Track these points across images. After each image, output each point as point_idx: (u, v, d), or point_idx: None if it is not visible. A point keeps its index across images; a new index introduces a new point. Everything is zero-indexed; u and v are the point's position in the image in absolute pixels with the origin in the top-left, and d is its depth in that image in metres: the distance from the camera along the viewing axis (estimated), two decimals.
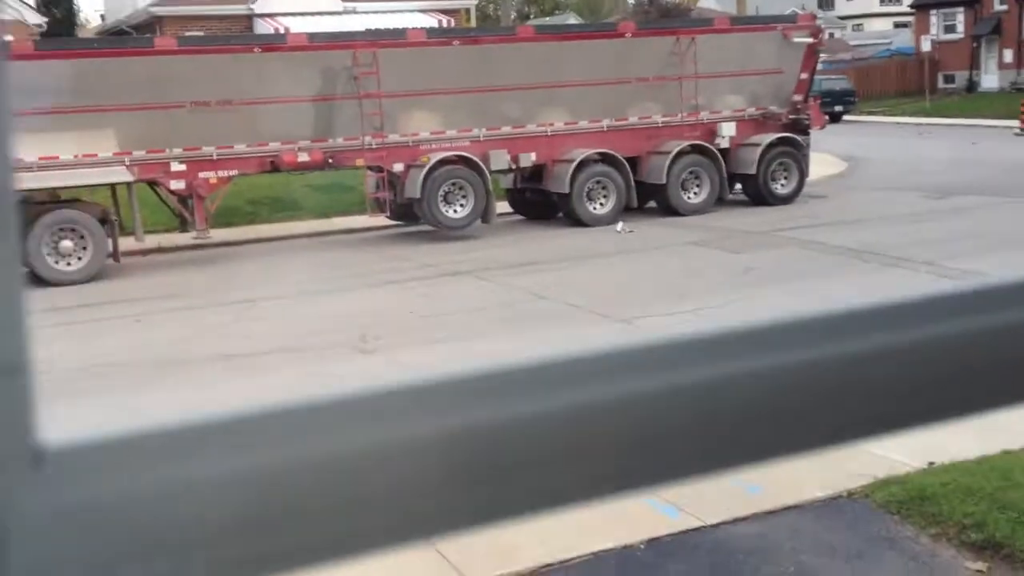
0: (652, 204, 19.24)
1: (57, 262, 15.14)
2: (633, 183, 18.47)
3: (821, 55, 21.98)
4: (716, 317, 10.24)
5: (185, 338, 11.13)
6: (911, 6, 59.82)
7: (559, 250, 15.99)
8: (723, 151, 19.23)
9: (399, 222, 18.61)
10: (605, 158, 18.32)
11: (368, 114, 16.88)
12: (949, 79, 52.49)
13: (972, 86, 50.76)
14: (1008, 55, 48.97)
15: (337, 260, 16.19)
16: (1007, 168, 24.00)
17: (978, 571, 5.08)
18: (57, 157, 15.42)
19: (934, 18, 53.24)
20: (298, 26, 29.41)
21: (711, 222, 17.79)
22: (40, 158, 15.01)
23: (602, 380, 0.57)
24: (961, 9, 51.75)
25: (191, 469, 0.51)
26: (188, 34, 26.05)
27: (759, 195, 19.53)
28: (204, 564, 0.51)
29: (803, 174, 19.92)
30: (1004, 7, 48.95)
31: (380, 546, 0.54)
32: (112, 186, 16.44)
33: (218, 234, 17.89)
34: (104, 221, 15.57)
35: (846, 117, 43.84)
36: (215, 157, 16.38)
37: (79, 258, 15.36)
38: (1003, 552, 5.12)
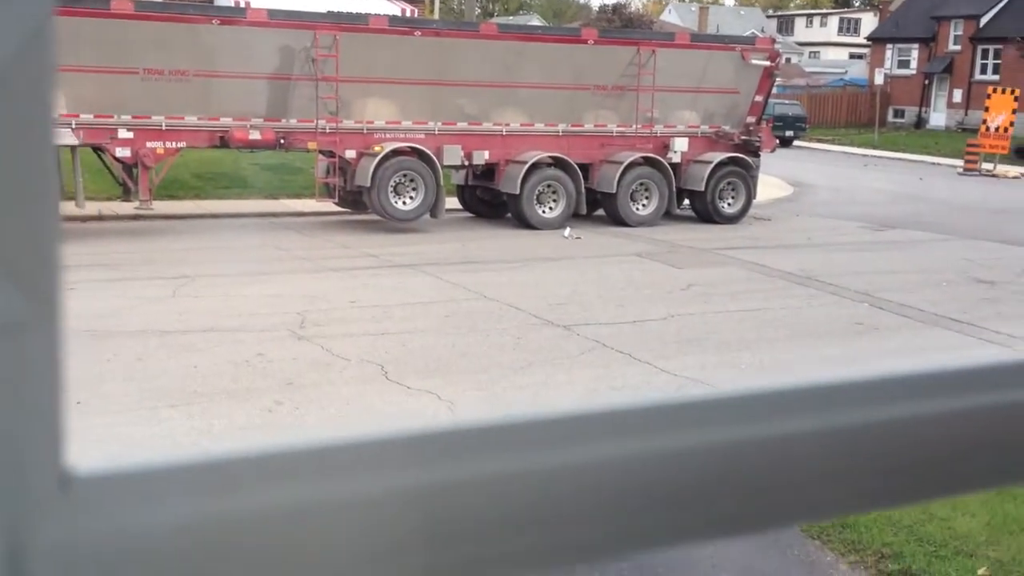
0: (601, 212, 19.34)
1: None
2: (584, 190, 18.55)
3: (777, 79, 22.24)
4: (654, 331, 10.33)
5: (119, 310, 10.94)
6: (868, 38, 60.92)
7: (505, 251, 16.00)
8: (674, 166, 19.38)
9: (347, 209, 18.48)
10: (558, 162, 18.37)
11: (324, 97, 16.74)
12: (899, 113, 53.52)
13: (920, 122, 51.80)
14: (957, 95, 50.06)
15: (281, 242, 16.03)
16: (948, 206, 24.53)
17: None
18: None
19: (889, 52, 54.25)
20: (259, 1, 29.08)
21: (657, 235, 17.92)
22: None
23: (581, 441, 0.56)
24: (916, 46, 52.78)
25: (222, 502, 0.50)
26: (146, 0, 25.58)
27: (706, 212, 19.72)
28: None
29: (750, 195, 20.15)
30: (957, 48, 50.05)
31: None
32: (56, 149, 16.09)
33: (161, 206, 17.62)
34: None
35: (796, 142, 44.45)
36: (164, 127, 16.12)
37: None
38: None
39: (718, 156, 19.60)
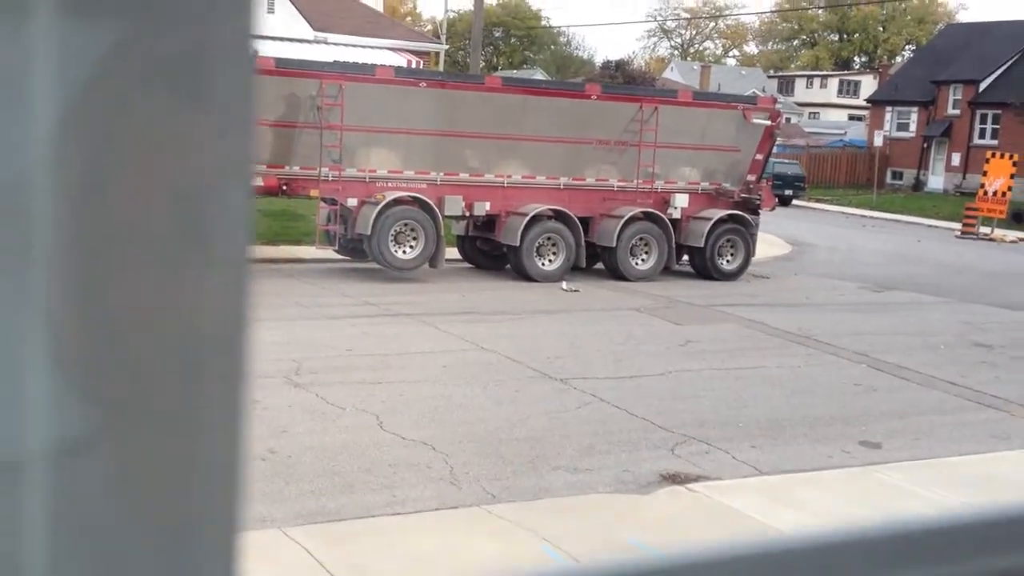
0: (600, 266, 19.38)
1: None
2: (583, 243, 18.59)
3: (777, 138, 22.41)
4: (652, 386, 10.28)
5: None
6: (868, 100, 61.50)
7: (504, 302, 16.00)
8: (674, 221, 19.45)
9: (347, 257, 18.50)
10: (558, 215, 18.44)
11: (328, 145, 16.84)
12: (897, 175, 53.85)
13: (919, 185, 52.10)
14: (956, 158, 50.42)
15: (279, 288, 16.02)
16: (946, 269, 24.59)
17: None
18: None
19: (888, 115, 54.72)
20: (267, 50, 29.38)
21: (656, 290, 17.94)
22: None
23: None
24: (915, 109, 53.26)
25: None
26: None
27: (705, 269, 19.76)
28: None
29: (749, 252, 20.20)
30: (956, 112, 50.49)
31: None
32: None
33: None
34: None
35: (795, 201, 44.66)
36: None
37: None
38: None
39: (718, 213, 19.68)
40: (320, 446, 8.09)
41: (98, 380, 0.48)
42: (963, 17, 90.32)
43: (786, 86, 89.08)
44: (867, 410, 10.43)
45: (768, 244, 25.08)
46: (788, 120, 52.21)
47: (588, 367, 11.51)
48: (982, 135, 49.13)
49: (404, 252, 17.25)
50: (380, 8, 38.41)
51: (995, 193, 34.44)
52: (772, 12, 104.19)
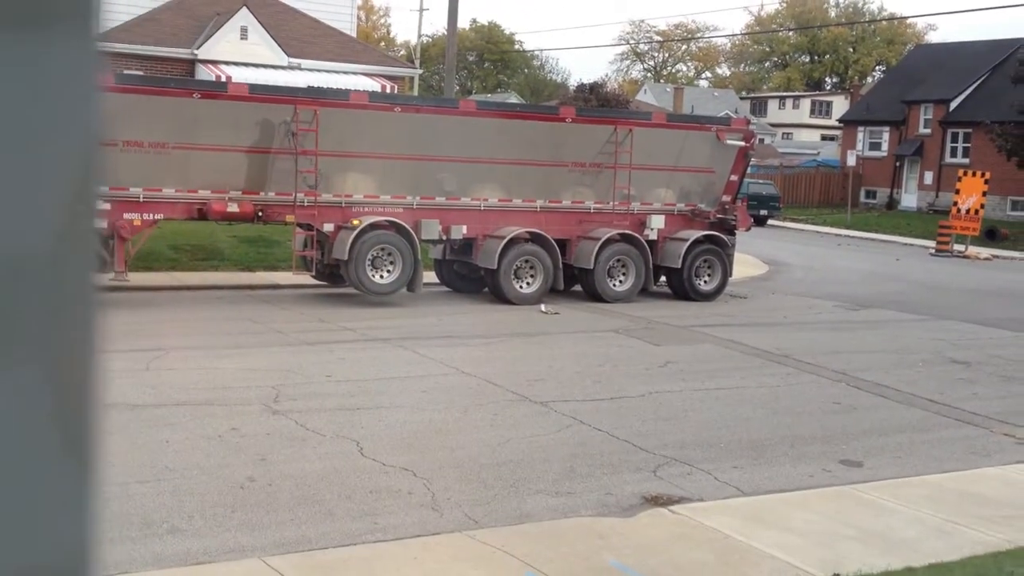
0: (578, 288, 19.39)
1: None
2: (561, 265, 18.61)
3: (751, 159, 22.54)
4: (632, 408, 10.25)
5: None
6: (840, 121, 62.06)
7: (482, 326, 15.96)
8: (651, 243, 19.51)
9: (324, 282, 18.43)
10: (535, 238, 18.44)
11: (303, 171, 16.79)
12: (871, 194, 54.29)
13: (892, 203, 52.54)
14: (928, 177, 50.89)
15: (256, 315, 15.93)
16: (921, 286, 24.75)
17: None
18: None
19: (861, 134, 55.20)
20: (241, 76, 29.32)
21: (634, 311, 17.95)
22: None
23: None
24: (887, 128, 53.75)
25: None
26: (127, 72, 25.76)
27: (683, 289, 19.81)
28: None
29: (726, 273, 20.27)
30: (928, 131, 51.01)
31: None
32: None
33: (136, 278, 17.50)
34: None
35: (770, 221, 44.90)
36: (141, 199, 16.09)
37: None
38: None
39: (694, 234, 19.76)
40: (300, 473, 8.01)
41: None
42: (932, 38, 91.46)
43: (759, 107, 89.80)
44: (847, 428, 10.45)
45: (745, 264, 25.19)
46: (761, 141, 52.60)
47: (568, 389, 11.48)
48: (953, 153, 49.65)
49: (382, 277, 17.20)
50: (354, 33, 38.44)
51: (968, 211, 34.75)
52: (743, 34, 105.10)
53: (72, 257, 0.47)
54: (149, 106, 15.93)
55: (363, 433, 9.22)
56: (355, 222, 17.05)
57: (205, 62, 31.85)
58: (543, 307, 17.80)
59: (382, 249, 17.14)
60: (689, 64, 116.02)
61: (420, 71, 42.25)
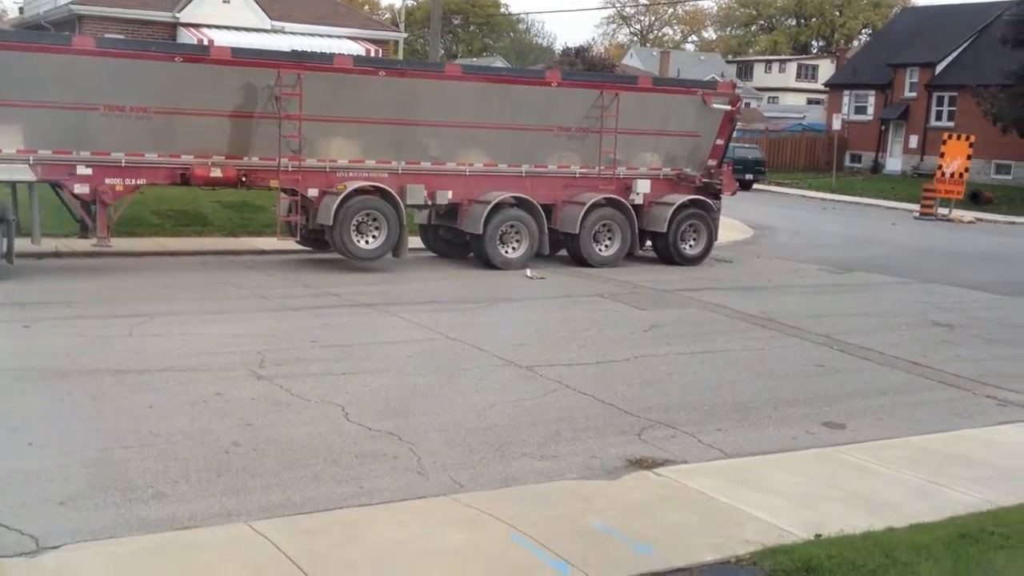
0: (563, 253, 19.38)
1: None
2: (547, 230, 18.58)
3: (737, 123, 22.49)
4: (617, 372, 10.27)
5: (74, 349, 10.73)
6: (825, 84, 61.94)
7: (468, 291, 15.95)
8: (636, 207, 19.49)
9: (309, 248, 18.36)
10: (521, 203, 18.39)
11: (287, 136, 16.67)
12: (856, 158, 54.30)
13: (877, 167, 52.59)
14: (913, 140, 50.92)
15: (241, 280, 15.87)
16: (905, 250, 24.83)
17: None
18: None
19: (846, 98, 55.13)
20: (223, 39, 29.03)
21: (619, 276, 17.96)
22: None
23: None
24: (872, 92, 53.69)
25: None
26: (108, 36, 25.46)
27: (668, 254, 19.82)
28: None
29: (712, 237, 20.29)
30: (913, 95, 50.97)
31: None
32: (13, 184, 15.90)
33: (119, 243, 17.40)
34: (0, 220, 15.00)
35: (756, 185, 44.91)
36: (124, 164, 15.95)
37: None
38: None
39: (680, 198, 19.74)
40: (285, 438, 8.01)
41: None
42: (919, 1, 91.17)
43: (745, 71, 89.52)
44: (830, 391, 10.51)
45: (730, 228, 25.21)
46: (747, 105, 52.45)
47: (553, 354, 11.50)
48: (939, 117, 49.66)
49: (367, 242, 17.15)
50: None
51: (952, 174, 34.82)
52: None
53: None
54: (130, 70, 15.76)
55: (348, 398, 9.22)
56: (340, 187, 16.96)
57: (187, 25, 31.53)
58: (529, 272, 17.79)
59: (367, 214, 17.07)
60: (675, 28, 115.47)
61: (405, 35, 41.91)
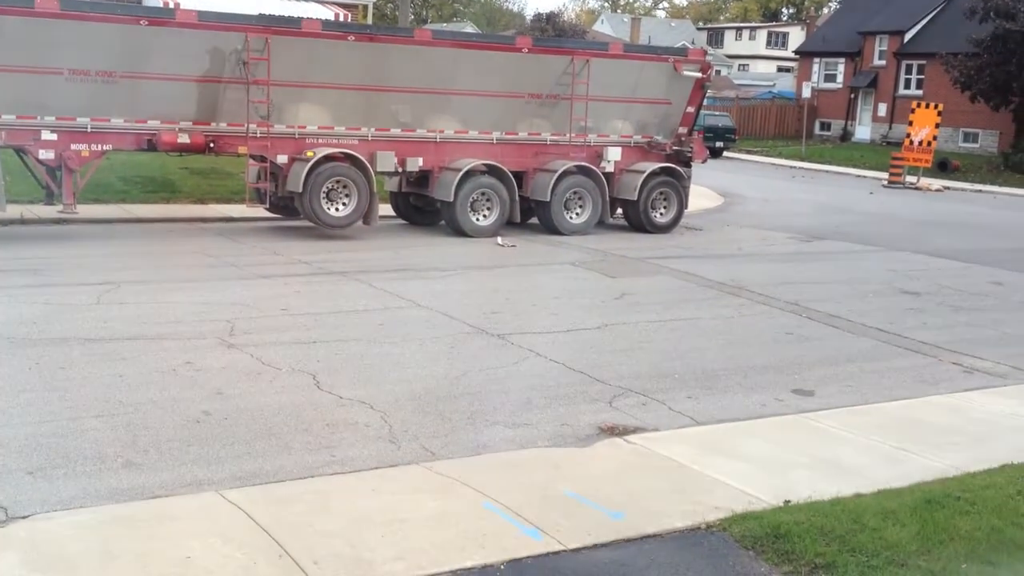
0: (534, 220, 19.35)
1: None
2: (518, 198, 18.54)
3: (708, 90, 22.47)
4: (588, 340, 10.30)
5: (41, 317, 10.62)
6: (796, 52, 61.97)
7: (439, 259, 15.91)
8: (607, 175, 19.48)
9: (278, 215, 18.22)
10: (492, 170, 18.33)
11: (255, 101, 16.49)
12: (825, 126, 54.51)
13: (846, 135, 52.82)
14: (882, 109, 51.14)
15: (210, 248, 15.74)
16: (873, 218, 25.00)
17: None
18: None
19: (816, 66, 55.23)
20: (189, 2, 28.57)
21: (590, 244, 17.98)
22: None
23: None
24: (842, 60, 53.82)
25: None
26: None
27: (639, 222, 19.85)
28: None
29: (682, 205, 20.32)
30: (883, 63, 51.12)
31: None
32: None
33: (85, 210, 17.19)
34: None
35: (726, 153, 45.00)
36: (89, 129, 15.73)
37: None
38: None
39: (650, 166, 19.75)
40: (256, 407, 7.98)
41: None
42: None
43: (715, 38, 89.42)
44: (799, 358, 10.60)
45: (700, 196, 25.27)
46: (718, 72, 52.44)
47: (525, 322, 11.51)
48: (908, 85, 49.88)
49: (337, 209, 17.04)
50: None
51: (921, 143, 35.03)
52: None
53: None
54: (95, 33, 15.50)
55: (320, 367, 9.19)
56: (309, 153, 16.82)
57: None
58: (500, 240, 17.76)
59: (337, 181, 16.95)
60: None
61: None
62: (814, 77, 54.17)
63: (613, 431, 7.85)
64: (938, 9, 49.91)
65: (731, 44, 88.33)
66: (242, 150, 16.90)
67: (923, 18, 50.00)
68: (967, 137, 46.69)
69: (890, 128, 49.70)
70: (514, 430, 7.84)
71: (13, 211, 16.59)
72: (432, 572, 5.32)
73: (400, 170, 18.00)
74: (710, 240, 19.69)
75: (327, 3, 33.32)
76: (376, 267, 14.72)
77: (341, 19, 30.62)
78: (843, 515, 6.09)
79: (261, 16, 17.23)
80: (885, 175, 36.06)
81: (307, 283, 13.35)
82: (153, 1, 30.09)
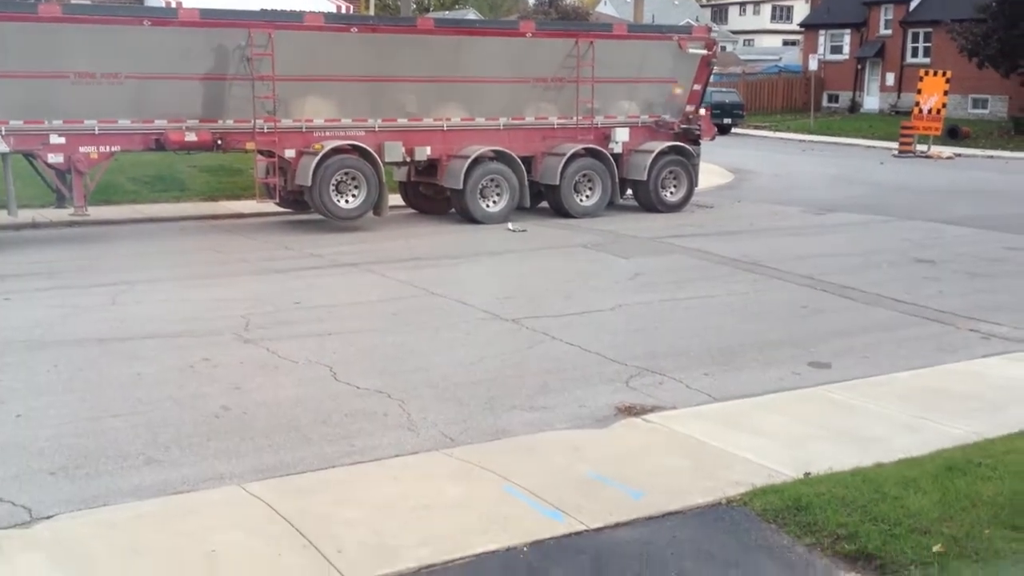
0: (544, 205, 19.33)
1: None
2: (527, 183, 18.52)
3: (714, 67, 22.38)
4: (603, 321, 10.29)
5: (57, 319, 10.68)
6: (801, 25, 61.61)
7: (450, 246, 15.91)
8: (616, 156, 19.44)
9: (288, 209, 18.26)
10: (500, 156, 18.31)
11: (261, 97, 16.50)
12: (833, 98, 54.21)
13: (855, 106, 52.52)
14: (890, 78, 50.83)
15: (222, 245, 15.79)
16: (885, 188, 24.88)
17: None
18: None
19: (822, 38, 54.91)
20: (191, 1, 28.60)
21: (601, 225, 17.95)
22: None
23: None
24: (848, 31, 53.48)
25: None
26: (75, 2, 25.04)
27: (649, 201, 19.81)
28: None
29: (692, 183, 20.27)
30: (888, 32, 50.80)
31: None
32: None
33: (97, 212, 17.26)
34: None
35: (735, 129, 44.84)
36: (97, 131, 15.78)
37: None
38: (875, 563, 5.25)
39: (659, 145, 19.69)
40: (274, 400, 8.01)
41: None
42: None
43: (719, 15, 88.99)
44: (815, 331, 10.57)
45: (710, 173, 25.18)
46: (723, 48, 52.20)
47: (539, 306, 11.51)
48: (915, 54, 49.55)
49: (346, 201, 17.06)
50: None
51: (930, 111, 34.82)
52: None
53: None
54: (99, 36, 15.53)
55: (335, 358, 9.22)
56: (316, 147, 16.84)
57: None
58: (510, 225, 17.75)
59: (346, 173, 16.96)
60: None
61: None
62: (820, 49, 53.86)
63: (631, 411, 7.85)
64: None
65: (735, 20, 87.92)
66: (250, 146, 16.93)
67: None
68: (976, 103, 46.38)
69: (899, 97, 49.41)
70: (532, 413, 7.85)
71: (25, 216, 16.67)
72: (456, 556, 5.34)
73: (408, 159, 18.00)
74: (722, 217, 19.64)
75: None
76: (388, 257, 14.74)
77: (343, 11, 30.62)
78: (864, 485, 6.08)
79: (263, 11, 17.28)
80: (895, 145, 35.87)
81: (320, 276, 13.38)
82: (156, 1, 30.14)
